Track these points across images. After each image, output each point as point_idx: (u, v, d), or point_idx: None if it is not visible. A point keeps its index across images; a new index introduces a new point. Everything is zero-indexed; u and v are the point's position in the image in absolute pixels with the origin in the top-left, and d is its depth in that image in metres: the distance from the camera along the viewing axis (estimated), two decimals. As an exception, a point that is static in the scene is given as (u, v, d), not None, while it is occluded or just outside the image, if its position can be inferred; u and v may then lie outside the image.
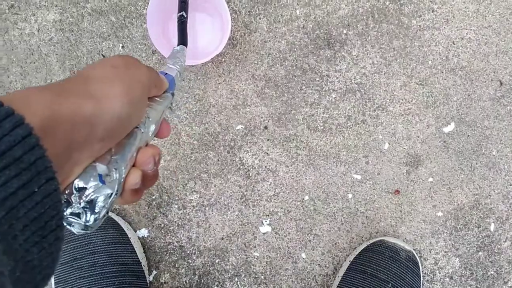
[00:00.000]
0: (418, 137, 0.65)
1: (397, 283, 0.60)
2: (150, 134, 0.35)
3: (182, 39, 0.53)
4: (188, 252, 0.65)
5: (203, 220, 0.65)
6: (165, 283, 0.65)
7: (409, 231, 0.65)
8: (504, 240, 0.65)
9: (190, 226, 0.65)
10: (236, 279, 0.65)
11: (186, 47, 0.52)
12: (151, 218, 0.65)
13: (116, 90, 0.29)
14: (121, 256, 0.60)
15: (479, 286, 0.65)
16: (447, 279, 0.65)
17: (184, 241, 0.65)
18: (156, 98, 0.38)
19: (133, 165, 0.33)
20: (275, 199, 0.65)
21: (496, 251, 0.65)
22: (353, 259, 0.63)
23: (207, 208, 0.65)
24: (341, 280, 0.63)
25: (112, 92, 0.29)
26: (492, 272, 0.65)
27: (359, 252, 0.63)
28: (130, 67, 0.32)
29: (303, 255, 0.65)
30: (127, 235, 0.62)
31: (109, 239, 0.60)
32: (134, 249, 0.62)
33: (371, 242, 0.63)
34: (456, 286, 0.65)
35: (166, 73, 0.43)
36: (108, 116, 0.28)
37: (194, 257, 0.65)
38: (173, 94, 0.42)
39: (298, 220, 0.65)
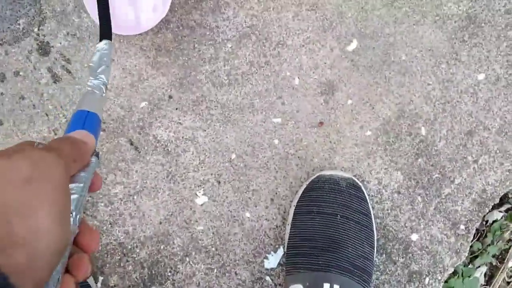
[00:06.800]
0: (325, 63, 0.63)
1: (344, 213, 0.59)
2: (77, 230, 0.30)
3: (107, 28, 0.42)
4: (129, 247, 0.61)
5: (134, 210, 0.62)
6: (115, 286, 0.61)
7: (344, 159, 0.64)
8: (438, 140, 0.64)
9: (123, 220, 0.61)
10: (188, 259, 0.62)
11: (111, 40, 0.41)
12: (80, 224, 0.61)
13: (45, 222, 0.24)
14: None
15: (428, 192, 0.64)
16: (395, 194, 0.64)
17: (122, 237, 0.61)
18: (81, 173, 0.31)
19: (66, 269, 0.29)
20: (202, 167, 0.62)
21: (434, 153, 0.64)
22: (297, 202, 0.61)
23: (135, 197, 0.62)
24: (291, 227, 0.61)
25: (43, 226, 0.24)
26: (436, 175, 0.65)
27: (301, 194, 0.61)
28: (42, 170, 0.25)
29: (248, 214, 0.63)
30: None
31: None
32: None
33: (309, 181, 0.61)
34: (405, 198, 0.64)
35: (87, 113, 0.35)
36: (45, 258, 0.23)
37: (137, 250, 0.62)
38: (98, 155, 0.33)
39: (232, 181, 0.63)
